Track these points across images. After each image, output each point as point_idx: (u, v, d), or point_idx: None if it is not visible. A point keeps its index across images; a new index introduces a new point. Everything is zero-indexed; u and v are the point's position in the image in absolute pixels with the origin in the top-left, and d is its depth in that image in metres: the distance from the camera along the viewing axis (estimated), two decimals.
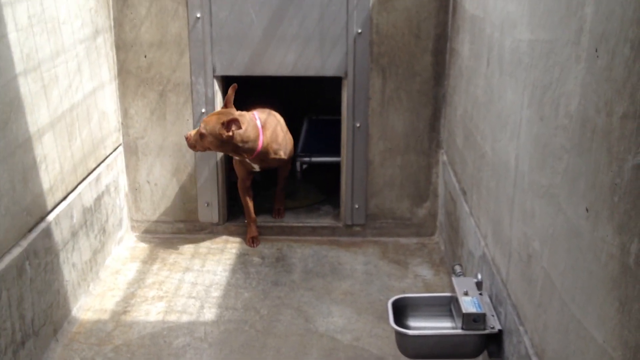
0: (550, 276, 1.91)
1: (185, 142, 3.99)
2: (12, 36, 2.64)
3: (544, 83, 1.99)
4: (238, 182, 4.04)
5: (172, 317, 3.28)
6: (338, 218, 4.24)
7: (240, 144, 3.65)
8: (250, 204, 4.06)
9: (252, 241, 4.06)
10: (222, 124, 3.54)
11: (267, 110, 4.01)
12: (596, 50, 1.57)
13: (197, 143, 3.63)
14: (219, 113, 3.64)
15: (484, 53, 2.82)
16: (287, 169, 4.19)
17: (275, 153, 3.88)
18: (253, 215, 4.08)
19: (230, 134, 3.56)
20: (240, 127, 3.57)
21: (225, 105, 3.69)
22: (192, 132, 3.64)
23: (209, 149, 3.67)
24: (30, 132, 2.81)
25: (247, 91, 4.48)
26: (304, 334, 3.15)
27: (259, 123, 3.77)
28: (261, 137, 3.74)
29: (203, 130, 3.57)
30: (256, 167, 3.95)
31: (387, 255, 3.93)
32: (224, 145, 3.63)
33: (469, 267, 3.09)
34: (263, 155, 3.81)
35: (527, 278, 2.16)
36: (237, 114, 3.64)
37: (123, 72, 3.91)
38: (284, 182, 4.26)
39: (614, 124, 1.46)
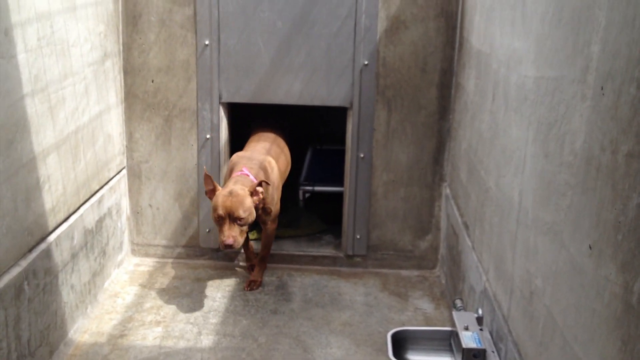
0: (552, 314, 1.90)
1: (188, 167, 4.01)
2: (21, 57, 2.66)
3: (549, 120, 1.99)
4: None
5: (169, 343, 3.25)
6: (339, 248, 4.23)
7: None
8: (247, 243, 3.93)
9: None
10: (252, 194, 3.40)
11: (255, 157, 3.77)
12: (602, 89, 1.58)
13: (242, 233, 3.39)
14: (228, 196, 3.35)
15: (490, 88, 2.84)
16: (273, 229, 3.84)
17: (264, 206, 3.65)
18: (251, 253, 3.97)
19: (261, 195, 3.45)
20: (261, 184, 3.45)
21: (214, 188, 3.45)
22: (229, 234, 3.31)
23: (248, 226, 3.47)
24: (35, 152, 2.82)
25: (254, 116, 4.49)
26: None
27: (253, 178, 3.54)
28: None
29: (243, 215, 3.33)
30: None
31: (388, 287, 3.91)
32: (254, 215, 3.45)
33: (470, 301, 3.07)
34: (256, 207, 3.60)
35: (528, 315, 2.14)
36: (232, 184, 3.45)
37: (130, 96, 3.94)
38: (267, 250, 3.90)
39: (619, 162, 1.46)
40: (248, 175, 3.52)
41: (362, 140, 3.92)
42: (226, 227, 3.32)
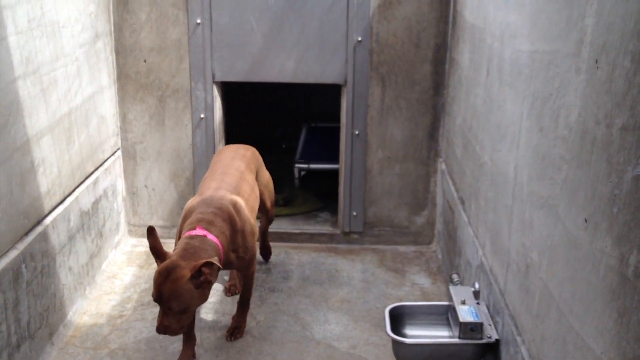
0: (548, 287, 1.91)
1: (183, 148, 4.00)
2: (12, 39, 2.64)
3: (544, 94, 1.99)
4: None
5: None
6: (336, 225, 4.24)
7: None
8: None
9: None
10: (192, 278, 2.51)
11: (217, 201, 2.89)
12: (596, 62, 1.57)
13: (181, 320, 2.57)
14: (165, 276, 2.51)
15: (484, 63, 2.83)
16: (252, 272, 3.10)
17: (237, 255, 2.93)
18: (192, 333, 2.96)
19: (209, 277, 2.55)
20: (213, 267, 2.55)
21: (159, 255, 2.62)
22: (161, 321, 2.54)
23: (192, 314, 2.71)
24: (29, 135, 2.81)
25: (249, 97, 4.48)
26: (301, 340, 3.14)
27: (212, 237, 2.72)
28: (221, 250, 2.76)
29: (177, 308, 2.51)
30: None
31: (385, 263, 3.93)
32: (201, 299, 2.61)
33: (466, 276, 3.09)
34: (226, 262, 2.86)
35: (525, 288, 2.16)
36: (177, 255, 2.59)
37: (122, 77, 3.91)
38: (248, 293, 3.15)
39: (614, 136, 1.46)
40: (206, 236, 2.70)
41: (357, 117, 3.92)
42: (161, 313, 2.56)
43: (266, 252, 3.89)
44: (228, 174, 3.14)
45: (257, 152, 3.52)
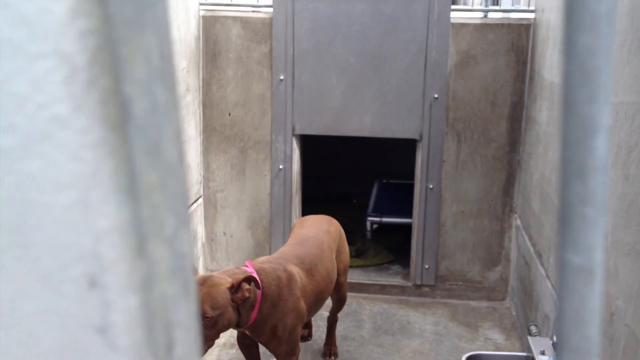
0: (634, 333, 1.92)
1: (262, 197, 4.15)
2: None
3: (629, 143, 2.05)
4: (237, 334, 2.94)
5: None
6: (407, 278, 4.28)
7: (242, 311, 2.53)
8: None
9: None
10: (231, 287, 2.43)
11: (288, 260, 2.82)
12: None
13: (208, 338, 2.43)
14: (201, 283, 2.43)
15: None
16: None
17: (274, 331, 2.66)
18: None
19: (246, 294, 2.46)
20: (255, 281, 2.52)
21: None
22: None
23: (219, 331, 2.48)
24: None
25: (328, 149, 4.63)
26: None
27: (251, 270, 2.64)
28: (256, 307, 2.58)
29: (210, 313, 2.38)
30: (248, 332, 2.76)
31: (457, 317, 3.93)
32: (232, 319, 2.48)
33: (543, 330, 3.08)
34: (258, 330, 2.66)
35: (609, 336, 2.16)
36: (218, 273, 2.57)
37: (208, 129, 4.12)
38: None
39: None
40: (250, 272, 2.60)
41: (431, 171, 4.00)
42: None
43: (330, 351, 3.45)
44: (307, 247, 2.95)
45: (339, 226, 3.29)
